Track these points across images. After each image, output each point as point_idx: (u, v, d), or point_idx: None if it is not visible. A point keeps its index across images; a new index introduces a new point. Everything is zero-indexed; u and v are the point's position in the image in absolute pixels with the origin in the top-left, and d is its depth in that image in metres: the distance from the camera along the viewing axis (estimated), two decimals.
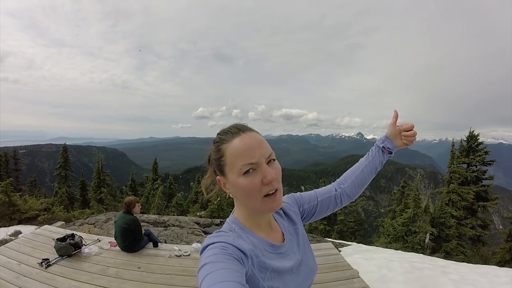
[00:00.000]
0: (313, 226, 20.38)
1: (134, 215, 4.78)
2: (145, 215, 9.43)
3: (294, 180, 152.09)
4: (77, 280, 3.59)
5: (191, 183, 24.51)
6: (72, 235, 4.48)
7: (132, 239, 4.58)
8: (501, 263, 11.50)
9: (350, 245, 9.68)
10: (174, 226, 8.50)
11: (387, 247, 11.55)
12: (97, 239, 5.08)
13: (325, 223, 19.31)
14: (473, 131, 15.29)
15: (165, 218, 9.15)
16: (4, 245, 4.51)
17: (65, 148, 25.79)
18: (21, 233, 8.05)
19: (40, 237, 4.88)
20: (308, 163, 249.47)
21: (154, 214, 17.48)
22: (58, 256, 4.18)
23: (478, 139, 15.08)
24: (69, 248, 4.22)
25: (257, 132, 0.92)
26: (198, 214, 19.66)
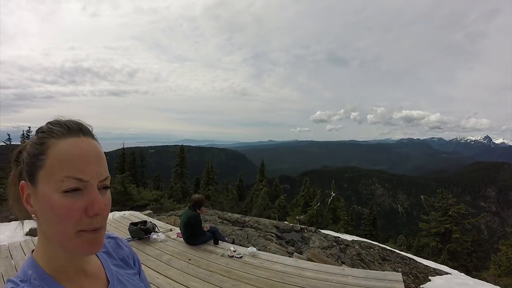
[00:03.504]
0: (423, 242, 18.28)
1: (198, 212, 5.17)
2: (229, 214, 10.03)
3: (413, 188, 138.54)
4: None
5: (309, 187, 24.80)
6: (145, 222, 5.16)
7: (191, 233, 4.98)
8: None
9: (447, 273, 8.23)
10: (251, 227, 8.78)
11: (494, 282, 9.47)
12: (170, 228, 5.71)
13: (438, 240, 17.00)
14: None
15: (247, 218, 9.57)
16: None
17: (181, 149, 29.48)
18: None
19: (125, 220, 5.77)
20: (430, 170, 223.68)
21: (255, 214, 18.44)
22: (130, 237, 4.86)
23: None
24: (139, 232, 4.88)
25: (100, 145, 0.70)
26: (297, 217, 19.82)
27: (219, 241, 5.21)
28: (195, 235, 5.03)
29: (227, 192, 27.30)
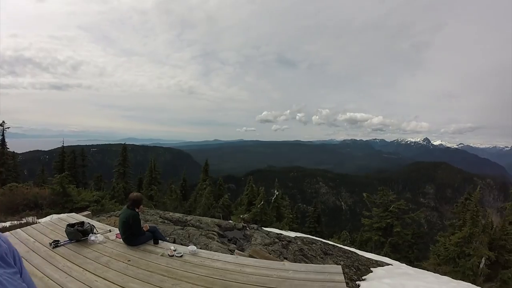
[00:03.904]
0: (366, 236, 19.62)
1: (137, 211, 5.23)
2: (170, 213, 10.07)
3: (356, 186, 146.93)
4: (71, 261, 4.16)
5: (253, 186, 25.13)
6: (82, 223, 5.12)
7: (130, 233, 5.05)
8: None
9: (388, 264, 8.98)
10: (193, 226, 8.96)
11: (434, 270, 10.62)
12: (109, 229, 5.69)
13: (380, 234, 18.47)
14: None
15: (188, 218, 9.71)
16: (31, 225, 5.31)
17: (124, 148, 28.35)
18: None
19: (62, 222, 5.64)
20: (372, 170, 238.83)
21: (199, 214, 18.43)
22: (68, 239, 4.82)
23: None
24: (76, 234, 4.85)
25: None
26: (241, 216, 20.16)
27: (159, 241, 5.32)
28: (134, 235, 5.08)
29: (170, 192, 26.98)
